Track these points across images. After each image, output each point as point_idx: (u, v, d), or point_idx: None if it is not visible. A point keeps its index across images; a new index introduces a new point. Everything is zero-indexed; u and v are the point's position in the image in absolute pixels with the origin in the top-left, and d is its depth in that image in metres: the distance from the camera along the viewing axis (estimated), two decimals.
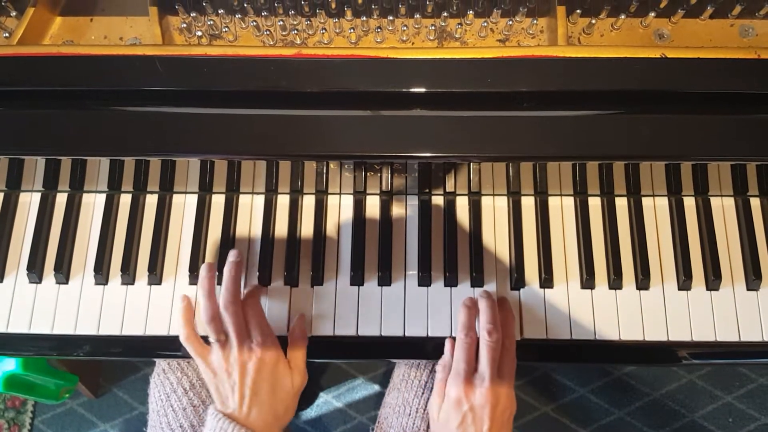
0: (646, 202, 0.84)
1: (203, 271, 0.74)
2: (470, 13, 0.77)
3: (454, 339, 0.76)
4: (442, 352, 0.82)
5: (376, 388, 1.54)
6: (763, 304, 0.80)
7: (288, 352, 0.76)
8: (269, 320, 0.77)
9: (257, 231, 0.84)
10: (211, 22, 0.79)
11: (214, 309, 0.72)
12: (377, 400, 1.51)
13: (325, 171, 0.82)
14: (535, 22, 0.78)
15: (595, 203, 0.84)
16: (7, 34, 0.79)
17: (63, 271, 0.82)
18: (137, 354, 0.83)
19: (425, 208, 0.84)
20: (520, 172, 0.82)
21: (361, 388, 1.55)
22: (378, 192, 0.85)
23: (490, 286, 0.81)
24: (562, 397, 1.54)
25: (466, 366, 0.72)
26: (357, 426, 1.52)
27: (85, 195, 0.86)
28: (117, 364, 1.57)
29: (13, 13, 0.78)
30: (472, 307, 0.76)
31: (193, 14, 0.79)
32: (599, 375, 1.55)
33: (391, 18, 0.78)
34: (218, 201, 0.85)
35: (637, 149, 0.69)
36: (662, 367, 1.55)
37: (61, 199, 0.86)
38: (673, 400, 1.54)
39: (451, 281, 0.81)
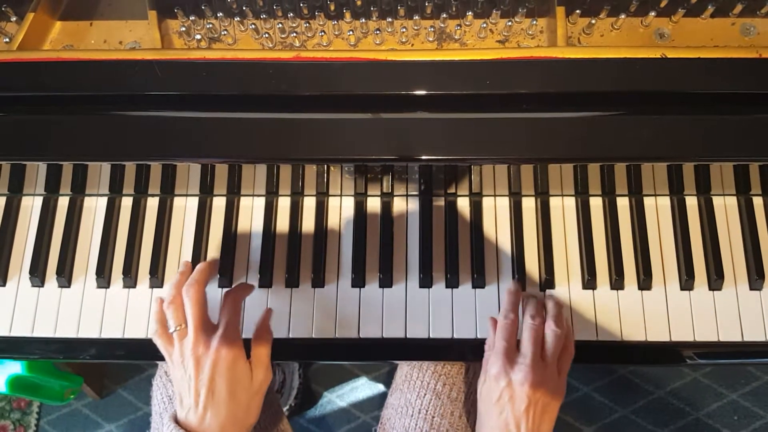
0: (648, 201, 0.84)
1: (180, 267, 0.76)
2: (469, 14, 0.77)
3: (495, 320, 0.76)
4: (443, 354, 0.82)
5: (380, 387, 1.54)
6: (766, 304, 0.80)
7: (252, 347, 0.72)
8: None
9: (258, 233, 0.84)
10: (210, 26, 0.79)
11: (174, 294, 0.72)
12: (381, 399, 1.52)
13: (325, 173, 0.82)
14: (534, 22, 0.78)
15: (596, 203, 0.84)
16: (7, 39, 0.79)
17: (65, 275, 0.82)
18: (141, 357, 0.83)
19: (426, 209, 0.84)
20: (521, 173, 0.81)
21: (365, 388, 1.55)
22: (379, 194, 0.85)
23: (492, 287, 0.81)
24: (566, 395, 1.52)
25: (506, 344, 0.71)
26: (361, 425, 1.52)
27: (86, 199, 0.86)
28: (121, 365, 1.58)
29: (14, 18, 0.78)
30: (516, 293, 0.77)
31: (192, 18, 0.79)
32: (603, 373, 1.55)
33: (390, 20, 0.78)
34: (219, 204, 0.86)
35: (638, 151, 0.69)
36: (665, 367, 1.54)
37: (63, 203, 0.86)
38: (677, 398, 1.53)
39: (452, 283, 0.81)
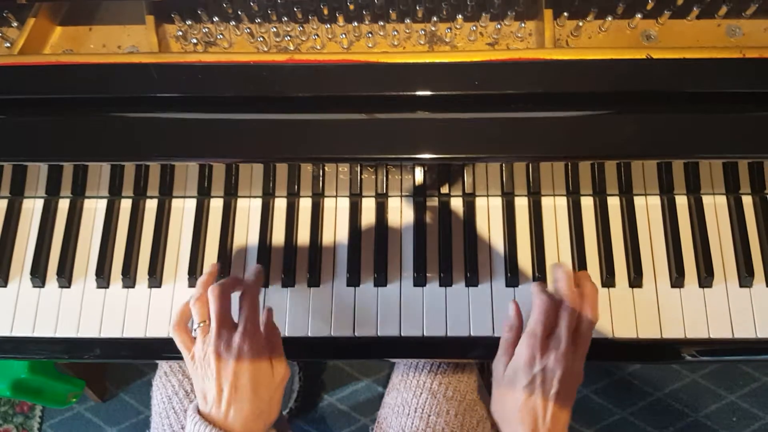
0: (639, 201, 0.85)
1: (206, 267, 0.75)
2: (459, 17, 0.78)
3: (516, 303, 0.75)
4: (437, 351, 0.83)
5: (380, 390, 1.55)
6: (756, 301, 0.81)
7: (266, 345, 0.72)
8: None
9: (255, 234, 0.85)
10: (206, 30, 0.81)
11: (201, 291, 0.72)
12: (381, 402, 1.52)
13: (321, 174, 0.83)
14: (523, 25, 0.79)
15: (587, 203, 0.85)
16: (8, 44, 0.81)
17: (65, 276, 0.84)
18: (145, 356, 0.84)
19: (420, 209, 0.86)
20: (513, 173, 0.82)
21: (365, 391, 1.55)
22: (374, 194, 0.86)
23: (485, 285, 0.82)
24: None
25: (544, 329, 0.69)
26: (361, 428, 1.53)
27: (86, 201, 0.88)
28: (123, 368, 1.59)
29: (15, 24, 0.80)
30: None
31: (188, 22, 0.81)
32: (602, 375, 1.55)
33: (382, 23, 0.79)
34: (216, 205, 0.87)
35: (624, 149, 0.70)
36: (659, 365, 1.55)
37: (63, 205, 0.88)
38: (676, 399, 1.54)
39: (446, 281, 0.82)
